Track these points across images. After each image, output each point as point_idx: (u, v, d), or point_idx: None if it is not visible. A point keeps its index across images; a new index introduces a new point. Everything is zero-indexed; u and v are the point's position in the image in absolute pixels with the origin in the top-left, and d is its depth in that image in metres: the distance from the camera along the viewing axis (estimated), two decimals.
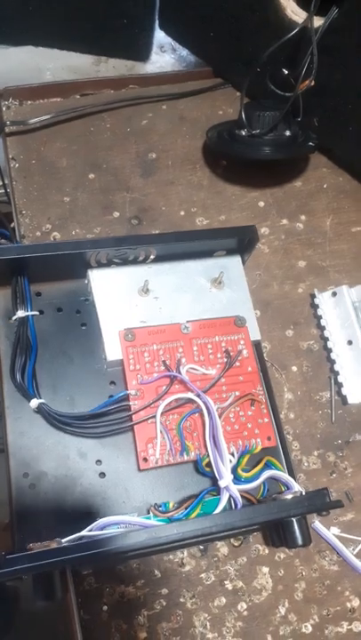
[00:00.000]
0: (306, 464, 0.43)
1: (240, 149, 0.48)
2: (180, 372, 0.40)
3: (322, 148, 0.53)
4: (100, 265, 0.43)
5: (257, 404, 0.41)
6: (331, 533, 0.41)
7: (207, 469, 0.39)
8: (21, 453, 0.39)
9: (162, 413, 0.39)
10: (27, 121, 0.51)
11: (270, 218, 0.51)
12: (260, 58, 0.45)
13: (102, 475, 0.40)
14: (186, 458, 0.39)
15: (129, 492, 0.39)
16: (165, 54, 0.62)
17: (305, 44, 0.45)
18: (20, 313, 0.42)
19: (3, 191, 0.57)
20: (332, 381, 0.46)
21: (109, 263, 0.43)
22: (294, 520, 0.35)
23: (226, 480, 0.37)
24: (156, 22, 0.57)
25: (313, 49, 0.44)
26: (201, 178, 0.52)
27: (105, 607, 0.38)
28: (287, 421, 0.44)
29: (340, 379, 0.45)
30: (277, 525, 0.37)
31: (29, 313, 0.42)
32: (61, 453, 0.40)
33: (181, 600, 0.39)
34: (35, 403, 0.39)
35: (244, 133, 0.48)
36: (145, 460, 0.38)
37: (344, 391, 0.45)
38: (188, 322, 0.42)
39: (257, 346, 0.44)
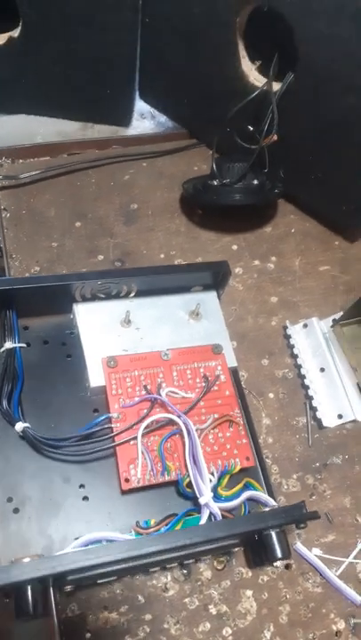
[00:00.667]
0: (286, 487, 0.44)
1: (212, 197, 0.53)
2: (160, 395, 0.42)
3: (288, 196, 0.59)
4: (84, 299, 0.46)
5: (235, 425, 0.43)
6: (313, 555, 0.42)
7: (188, 490, 0.40)
8: (6, 478, 0.40)
9: (143, 435, 0.40)
10: (18, 176, 0.56)
11: (243, 259, 0.55)
12: (227, 116, 0.50)
13: (86, 498, 0.41)
14: (167, 478, 0.40)
15: (112, 515, 0.40)
16: (145, 120, 0.68)
17: (267, 105, 0.51)
18: (8, 344, 0.44)
19: None
20: (308, 407, 0.48)
21: (94, 298, 0.46)
22: (273, 533, 0.36)
23: (206, 497, 0.38)
24: (137, 92, 0.64)
25: (273, 108, 0.49)
26: (179, 225, 0.57)
27: (88, 634, 0.37)
28: (266, 445, 0.46)
29: (314, 404, 0.47)
30: (257, 543, 0.37)
31: (17, 345, 0.44)
32: (45, 478, 0.41)
33: (165, 626, 0.38)
34: (20, 426, 0.40)
35: (216, 183, 0.53)
36: (127, 480, 0.39)
37: (319, 415, 0.47)
38: (168, 349, 0.45)
39: (234, 372, 0.46)
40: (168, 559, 0.36)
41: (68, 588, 0.34)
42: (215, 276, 0.47)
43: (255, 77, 0.53)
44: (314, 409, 0.47)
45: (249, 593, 0.40)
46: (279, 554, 0.36)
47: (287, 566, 0.41)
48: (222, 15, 0.50)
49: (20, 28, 0.55)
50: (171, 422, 0.41)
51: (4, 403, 0.41)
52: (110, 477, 0.41)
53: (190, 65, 0.56)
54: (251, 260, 0.55)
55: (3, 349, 0.44)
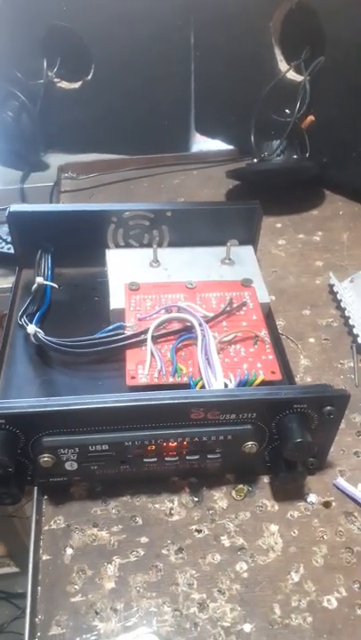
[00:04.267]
0: None
1: (250, 169, 0.54)
2: (178, 305, 0.39)
3: (334, 185, 0.58)
4: (117, 246, 0.47)
5: (261, 343, 0.38)
6: (360, 491, 0.33)
7: None
8: (10, 388, 0.38)
9: (157, 341, 0.37)
10: (77, 177, 0.62)
11: (287, 234, 0.54)
12: (263, 94, 0.54)
13: None
14: (177, 379, 0.35)
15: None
16: None
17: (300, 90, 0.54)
18: (39, 280, 0.45)
19: None
20: (355, 350, 0.42)
21: (126, 245, 0.47)
22: (291, 415, 0.29)
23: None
24: (193, 126, 0.70)
25: (305, 84, 0.52)
26: None
27: (69, 549, 0.31)
28: (303, 384, 0.40)
29: None
30: (274, 437, 0.30)
31: (48, 282, 0.45)
32: (52, 391, 0.38)
33: (164, 552, 0.31)
34: (32, 329, 0.39)
35: (255, 160, 0.55)
36: (133, 377, 0.35)
37: None
38: (193, 280, 0.43)
39: (267, 312, 0.42)
40: (164, 436, 0.30)
41: (46, 457, 0.29)
42: (248, 221, 0.46)
43: (292, 75, 0.57)
44: None
45: (274, 528, 0.32)
46: (298, 436, 0.29)
47: (326, 504, 0.33)
48: (259, 24, 0.56)
49: (92, 71, 0.65)
50: (187, 330, 0.38)
51: (24, 318, 0.41)
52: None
53: (236, 84, 0.62)
54: (295, 234, 0.54)
55: (35, 285, 0.45)
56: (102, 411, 0.28)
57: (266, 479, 0.34)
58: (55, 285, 0.45)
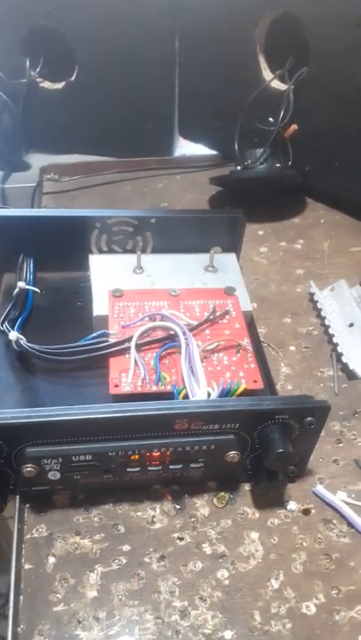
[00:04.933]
0: None
1: (233, 177, 0.54)
2: (162, 313, 0.39)
3: (317, 193, 0.59)
4: (100, 251, 0.47)
5: (243, 352, 0.38)
6: (338, 499, 0.33)
7: None
8: None
9: (141, 349, 0.37)
10: (60, 179, 0.61)
11: (269, 241, 0.55)
12: (248, 102, 0.54)
13: None
14: (161, 388, 0.35)
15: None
16: None
17: (284, 99, 0.54)
18: (21, 284, 0.45)
19: None
20: (334, 358, 0.43)
21: (109, 250, 0.47)
22: (273, 425, 0.30)
23: (199, 399, 0.33)
24: (176, 130, 0.70)
25: (288, 92, 0.53)
26: None
27: (52, 558, 0.31)
28: (284, 392, 0.40)
29: (343, 355, 0.42)
30: (256, 446, 0.31)
31: (30, 287, 0.45)
32: (33, 397, 0.38)
33: (146, 560, 0.31)
34: (13, 335, 0.39)
35: (239, 168, 0.55)
36: (116, 385, 0.35)
37: (349, 365, 0.41)
38: (177, 287, 0.43)
39: (249, 320, 0.43)
40: (147, 447, 0.30)
41: (29, 467, 0.29)
42: (231, 229, 0.47)
43: (276, 84, 0.58)
44: (341, 360, 0.42)
45: (254, 535, 0.32)
46: (280, 447, 0.29)
47: (305, 511, 0.33)
48: (244, 32, 0.57)
49: (75, 72, 0.65)
50: (170, 339, 0.38)
51: (6, 324, 0.41)
52: (102, 401, 0.37)
53: (220, 90, 0.62)
54: (277, 242, 0.55)
55: (16, 290, 0.45)
56: (86, 422, 0.28)
57: (247, 486, 0.34)
58: (37, 290, 0.45)
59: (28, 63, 0.65)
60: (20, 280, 0.45)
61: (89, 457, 0.29)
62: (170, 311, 0.40)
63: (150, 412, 0.28)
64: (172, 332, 0.38)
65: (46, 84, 0.67)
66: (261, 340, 0.43)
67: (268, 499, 0.34)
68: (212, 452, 0.31)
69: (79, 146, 0.70)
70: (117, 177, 0.64)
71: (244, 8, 0.55)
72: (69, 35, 0.62)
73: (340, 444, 0.37)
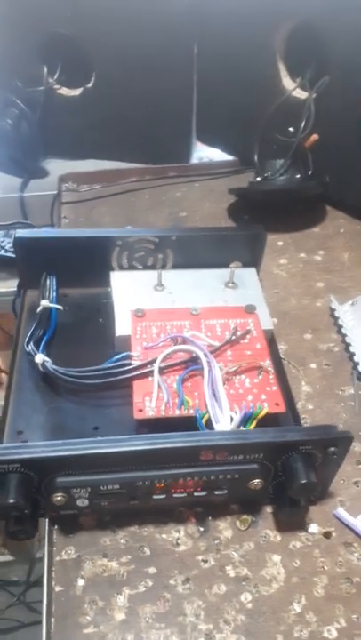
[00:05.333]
0: None
1: (252, 188, 0.54)
2: (184, 335, 0.40)
3: (337, 202, 0.59)
4: (121, 268, 0.48)
5: (265, 374, 0.39)
6: (359, 522, 0.34)
7: (207, 429, 0.36)
8: (21, 414, 0.39)
9: (163, 372, 0.38)
10: (79, 189, 0.62)
11: (289, 252, 0.55)
12: (268, 113, 0.54)
13: None
14: (184, 412, 0.36)
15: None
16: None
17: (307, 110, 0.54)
18: (44, 303, 0.46)
19: None
20: (355, 376, 0.43)
21: (130, 267, 0.48)
22: (296, 455, 0.31)
23: (223, 425, 0.34)
24: (194, 136, 0.70)
25: (310, 103, 0.52)
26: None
27: (81, 580, 0.32)
28: (305, 411, 0.41)
29: None
30: (279, 474, 0.32)
31: (53, 305, 0.46)
32: (60, 417, 0.39)
33: (172, 582, 0.32)
34: (40, 358, 0.40)
35: (259, 179, 0.55)
36: (140, 410, 0.36)
37: None
38: (197, 306, 0.44)
39: (269, 337, 0.43)
40: (173, 476, 0.31)
41: (59, 495, 0.30)
42: (251, 245, 0.47)
43: (297, 92, 0.57)
44: None
45: (276, 558, 0.33)
46: (302, 478, 0.30)
47: (326, 534, 0.34)
48: (263, 40, 0.56)
49: (93, 79, 0.65)
50: (193, 361, 0.39)
51: (31, 345, 0.42)
52: (126, 422, 0.38)
53: (239, 96, 0.62)
54: (296, 253, 0.55)
55: (40, 308, 0.45)
56: (114, 455, 0.29)
57: (269, 509, 0.35)
58: (60, 307, 0.46)
59: (45, 70, 0.65)
60: (43, 298, 0.46)
61: (116, 486, 0.30)
62: (191, 332, 0.41)
63: (177, 445, 0.29)
64: (195, 355, 0.39)
65: (64, 91, 0.67)
66: (282, 357, 0.44)
67: (290, 521, 0.34)
68: (236, 480, 0.31)
69: (97, 151, 0.71)
70: (136, 185, 0.64)
71: (263, 16, 0.55)
72: (87, 42, 0.62)
73: (360, 466, 0.38)
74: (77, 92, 0.66)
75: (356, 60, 0.50)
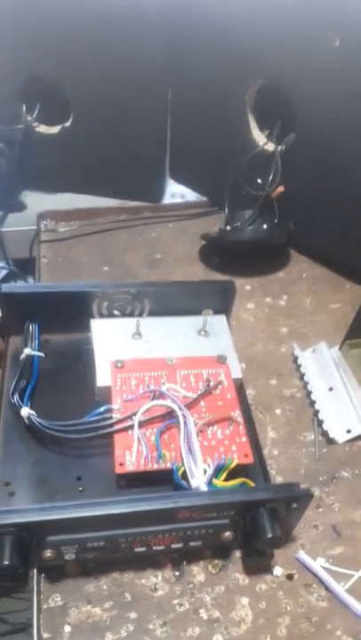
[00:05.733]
0: None
1: (224, 238, 0.58)
2: (161, 389, 0.43)
3: (300, 247, 0.63)
4: (101, 315, 0.50)
5: (235, 425, 0.43)
6: (318, 565, 0.38)
7: (184, 482, 0.39)
8: (7, 465, 0.41)
9: (142, 425, 0.41)
10: (57, 229, 0.64)
11: (256, 297, 0.59)
12: (238, 167, 0.58)
13: (82, 491, 0.40)
14: (162, 465, 0.39)
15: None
16: (175, 199, 0.77)
17: (274, 162, 0.58)
18: (27, 351, 0.48)
19: None
20: (315, 422, 0.47)
21: (110, 314, 0.50)
22: (263, 511, 0.34)
23: (197, 480, 0.37)
24: (167, 174, 0.73)
25: (277, 159, 0.56)
26: (197, 270, 0.62)
27: (67, 627, 0.35)
28: (271, 457, 0.45)
29: (324, 422, 0.46)
30: (248, 531, 0.35)
31: (35, 352, 0.48)
32: (45, 467, 0.41)
33: (150, 626, 0.35)
34: (25, 411, 0.42)
35: (229, 228, 0.59)
36: (121, 464, 0.39)
37: (327, 429, 0.46)
38: (173, 356, 0.47)
39: (239, 384, 0.47)
40: (153, 533, 0.34)
41: (49, 552, 0.33)
42: (222, 295, 0.50)
43: (265, 143, 0.61)
44: (322, 425, 0.46)
45: (245, 601, 0.37)
46: (269, 533, 0.34)
47: (289, 576, 0.38)
48: (234, 94, 0.60)
49: (71, 119, 0.67)
50: (169, 415, 0.42)
51: (16, 396, 0.44)
52: (107, 471, 0.41)
53: (210, 141, 0.65)
54: (263, 297, 0.59)
55: (23, 355, 0.48)
56: (101, 517, 0.32)
57: (238, 553, 0.39)
58: (42, 354, 0.48)
59: (24, 109, 0.67)
60: (26, 346, 0.48)
61: (101, 543, 0.33)
62: (168, 385, 0.44)
63: (157, 507, 0.32)
64: (171, 409, 0.42)
65: (42, 129, 0.69)
66: (250, 403, 0.48)
67: (257, 566, 0.38)
68: (210, 533, 0.35)
69: (73, 185, 0.73)
70: (112, 225, 0.67)
71: (234, 72, 0.58)
72: (66, 85, 0.64)
73: (320, 509, 0.42)
74: (55, 129, 0.69)
75: (319, 121, 0.54)
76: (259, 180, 0.59)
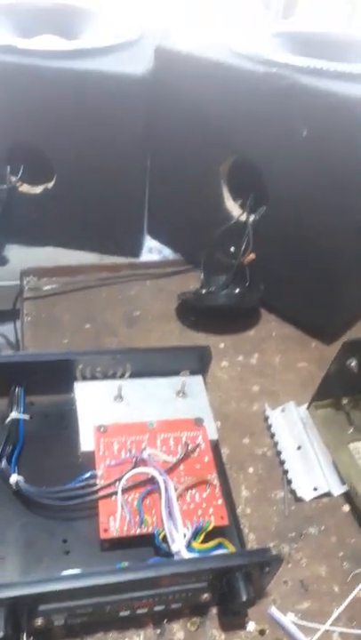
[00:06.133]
0: None
1: (200, 301, 0.62)
2: (142, 455, 0.46)
3: (269, 306, 0.68)
4: (84, 378, 0.53)
5: (212, 487, 0.46)
6: (288, 620, 0.41)
7: (164, 545, 0.42)
8: None
9: (124, 491, 0.44)
10: (41, 288, 0.67)
11: (229, 355, 0.63)
12: (213, 238, 0.62)
13: (67, 553, 0.43)
14: (144, 530, 0.42)
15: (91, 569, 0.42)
16: (153, 254, 0.81)
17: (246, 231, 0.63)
18: (13, 414, 0.51)
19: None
20: (285, 481, 0.51)
21: (93, 377, 0.54)
22: (238, 576, 0.38)
23: (178, 544, 0.41)
24: (145, 230, 0.78)
25: (249, 231, 0.61)
26: (174, 328, 0.66)
27: None
28: (244, 515, 0.48)
29: (292, 479, 0.50)
30: (225, 592, 0.38)
31: (21, 416, 0.51)
32: (31, 531, 0.44)
33: None
34: (14, 478, 0.45)
35: (204, 292, 0.63)
36: (105, 530, 0.42)
37: (296, 488, 0.50)
38: (154, 420, 0.50)
39: (215, 445, 0.50)
40: (137, 598, 0.37)
41: (40, 620, 0.36)
42: (199, 359, 0.54)
43: (237, 212, 0.66)
44: (291, 484, 0.50)
45: None
46: (243, 596, 0.37)
47: (261, 632, 0.41)
48: (209, 167, 0.65)
49: (54, 180, 0.71)
50: (151, 481, 0.45)
51: (3, 462, 0.47)
52: (92, 534, 0.43)
53: (187, 207, 0.70)
54: (235, 355, 0.63)
55: (9, 419, 0.50)
56: (92, 587, 0.35)
57: (215, 610, 0.42)
58: (27, 417, 0.51)
59: (8, 170, 0.71)
60: (12, 409, 0.51)
61: (90, 609, 0.36)
62: (149, 451, 0.47)
63: (143, 576, 0.35)
64: (152, 476, 0.45)
65: (25, 188, 0.72)
66: (225, 461, 0.51)
67: (232, 621, 0.41)
68: (189, 596, 0.38)
69: (55, 240, 0.77)
70: (93, 282, 0.70)
71: (208, 147, 0.63)
72: (49, 151, 0.68)
73: (289, 565, 0.45)
74: (38, 189, 0.72)
75: (289, 197, 0.59)
76: (232, 249, 0.64)
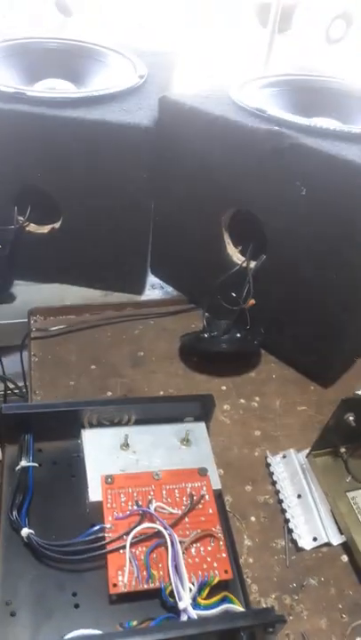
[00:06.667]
0: (264, 605, 0.47)
1: (202, 346, 0.64)
2: (149, 509, 0.48)
3: (269, 348, 0.70)
4: (91, 425, 0.55)
5: (216, 541, 0.48)
6: None
7: (171, 599, 0.44)
8: (8, 583, 0.45)
9: (132, 545, 0.46)
10: (48, 329, 0.69)
11: (231, 398, 0.64)
12: (215, 285, 0.64)
13: (77, 606, 0.45)
14: (151, 585, 0.44)
15: (100, 622, 0.43)
16: (155, 290, 0.83)
17: (246, 278, 0.64)
18: (23, 462, 0.52)
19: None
20: (286, 530, 0.52)
21: (99, 424, 0.55)
22: (244, 636, 0.39)
23: (185, 602, 0.42)
24: (149, 269, 0.79)
25: (249, 279, 0.63)
26: (177, 368, 0.67)
27: None
28: (247, 565, 0.50)
29: (292, 527, 0.52)
30: None
31: (30, 464, 0.52)
32: (42, 585, 0.45)
33: None
34: (25, 532, 0.46)
35: (206, 336, 0.65)
36: (115, 585, 0.44)
37: (296, 538, 0.51)
38: (159, 470, 0.52)
39: (218, 495, 0.52)
40: None
41: None
42: (203, 407, 0.56)
43: (238, 258, 0.68)
44: (291, 532, 0.52)
45: None
46: None
47: None
48: (211, 215, 0.66)
49: (60, 221, 0.72)
50: (157, 534, 0.47)
51: (14, 513, 0.48)
52: (101, 587, 0.45)
53: (189, 250, 0.72)
54: (237, 398, 0.64)
55: (18, 467, 0.52)
56: None
57: None
58: (36, 465, 0.53)
59: (16, 211, 0.72)
60: (21, 457, 0.52)
61: None
62: (155, 504, 0.49)
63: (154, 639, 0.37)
64: (158, 530, 0.47)
65: (32, 228, 0.74)
66: (228, 510, 0.53)
67: None
68: None
69: (61, 277, 0.78)
70: (98, 322, 0.72)
71: (210, 198, 0.65)
72: (57, 194, 0.69)
73: (290, 618, 0.47)
74: (45, 229, 0.74)
75: (287, 248, 0.61)
76: (233, 294, 0.65)
